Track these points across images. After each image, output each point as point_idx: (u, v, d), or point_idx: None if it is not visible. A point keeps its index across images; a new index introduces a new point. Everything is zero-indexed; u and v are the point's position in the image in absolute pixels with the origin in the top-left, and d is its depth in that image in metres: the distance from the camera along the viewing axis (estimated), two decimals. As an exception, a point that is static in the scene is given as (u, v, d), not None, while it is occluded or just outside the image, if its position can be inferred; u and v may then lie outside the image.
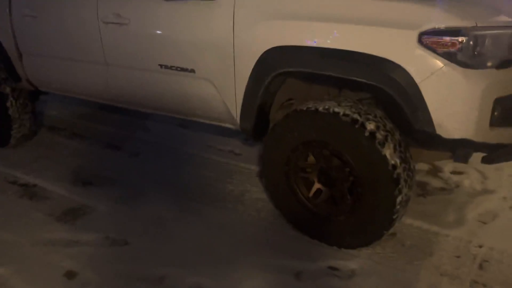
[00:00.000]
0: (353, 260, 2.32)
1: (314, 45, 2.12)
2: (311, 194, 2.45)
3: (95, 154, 3.75)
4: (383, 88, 2.02)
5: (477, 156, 2.23)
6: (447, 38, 1.89)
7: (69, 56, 3.14)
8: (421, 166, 3.22)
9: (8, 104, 3.62)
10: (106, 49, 2.92)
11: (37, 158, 3.66)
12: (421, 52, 1.92)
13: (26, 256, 2.44)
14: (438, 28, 1.90)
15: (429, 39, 1.90)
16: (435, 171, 3.20)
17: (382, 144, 2.07)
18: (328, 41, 2.10)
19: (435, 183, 3.06)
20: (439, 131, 2.00)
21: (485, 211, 2.71)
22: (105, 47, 2.91)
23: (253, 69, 2.35)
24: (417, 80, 1.94)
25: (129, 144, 3.92)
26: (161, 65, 2.71)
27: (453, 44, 1.88)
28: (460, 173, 3.16)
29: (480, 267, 2.27)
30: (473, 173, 3.13)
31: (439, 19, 1.92)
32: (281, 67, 2.26)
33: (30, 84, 3.58)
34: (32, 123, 3.87)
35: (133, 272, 2.30)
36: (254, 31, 2.30)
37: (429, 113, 1.97)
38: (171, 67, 2.67)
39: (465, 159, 2.21)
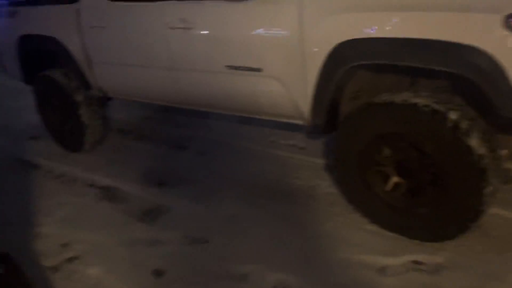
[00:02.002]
0: (438, 254, 2.26)
1: (390, 36, 2.07)
2: (388, 187, 2.40)
3: (164, 155, 3.88)
4: (466, 76, 1.94)
5: None
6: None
7: (138, 63, 3.26)
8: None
9: (81, 111, 3.82)
10: (173, 54, 3.00)
11: (110, 162, 3.85)
12: (507, 36, 1.82)
13: (114, 256, 2.57)
14: (526, 9, 1.80)
15: (516, 22, 1.80)
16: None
17: (467, 134, 1.99)
18: (405, 31, 2.04)
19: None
20: (530, 116, 1.90)
21: None
22: (173, 52, 3.00)
23: (324, 65, 2.33)
24: (504, 65, 1.85)
25: (194, 143, 4.03)
26: (227, 66, 2.75)
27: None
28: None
29: None
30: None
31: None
32: (354, 60, 2.22)
33: (100, 91, 3.75)
34: (102, 128, 4.05)
35: (216, 269, 2.36)
36: (323, 26, 2.27)
37: (517, 97, 1.88)
38: (237, 67, 2.71)
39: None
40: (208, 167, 3.55)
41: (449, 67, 1.97)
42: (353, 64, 2.23)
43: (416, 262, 2.24)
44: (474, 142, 1.98)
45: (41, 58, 4.07)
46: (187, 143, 4.05)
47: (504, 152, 2.16)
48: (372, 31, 2.12)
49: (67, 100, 3.83)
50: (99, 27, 3.36)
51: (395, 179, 2.38)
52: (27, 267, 1.89)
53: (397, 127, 2.19)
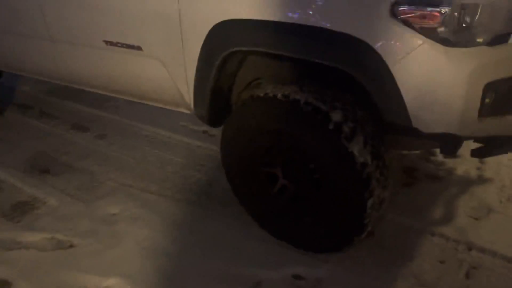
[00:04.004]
0: (321, 267, 2.03)
1: (265, 18, 1.74)
2: (275, 190, 2.13)
3: (60, 137, 3.45)
4: (348, 72, 1.65)
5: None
6: (426, 9, 1.50)
7: (15, 31, 2.79)
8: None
9: (-40, 83, 3.32)
10: (49, 23, 2.57)
11: (-3, 142, 3.39)
12: (393, 27, 1.54)
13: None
14: (415, -4, 1.51)
15: (403, 11, 1.52)
16: (427, 155, 2.85)
17: (349, 139, 1.73)
18: (284, 14, 1.71)
19: (424, 169, 2.73)
20: (416, 124, 1.65)
21: (479, 204, 2.39)
22: (48, 20, 2.55)
23: (202, 48, 1.99)
24: (388, 62, 1.57)
25: (96, 124, 3.61)
26: (106, 41, 2.36)
27: (434, 17, 1.50)
28: (455, 157, 2.80)
29: (467, 276, 1.97)
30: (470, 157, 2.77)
31: (418, -16, 1.52)
32: (231, 45, 1.89)
33: (-19, 62, 3.25)
34: (-9, 102, 3.56)
35: (75, 281, 2.04)
36: (201, 1, 1.91)
37: (404, 103, 1.61)
38: (116, 44, 2.32)
39: (452, 152, 1.86)
40: (103, 152, 3.17)
41: (328, 60, 1.68)
42: (231, 49, 1.90)
43: (296, 277, 2.01)
44: (357, 148, 1.72)
45: None
46: (90, 124, 3.64)
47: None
48: (248, 12, 1.78)
49: None
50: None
51: (282, 181, 2.10)
52: None
53: (279, 125, 1.90)
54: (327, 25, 1.62)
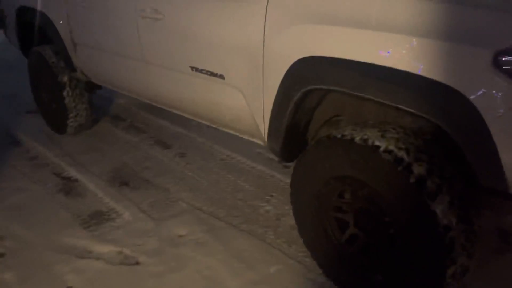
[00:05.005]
0: (387, 332, 1.83)
1: (353, 58, 1.64)
2: (344, 238, 1.98)
3: (143, 152, 3.61)
4: (439, 124, 1.49)
5: None
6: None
7: (111, 50, 3.00)
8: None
9: (65, 93, 3.63)
10: (144, 46, 2.70)
11: (87, 150, 3.65)
12: (495, 78, 1.35)
13: (37, 262, 2.35)
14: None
15: (509, 62, 1.33)
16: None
17: (433, 196, 1.54)
18: (373, 55, 1.60)
19: (523, 234, 2.38)
20: (515, 191, 1.42)
21: None
22: (143, 43, 2.69)
23: (282, 82, 1.93)
24: (485, 116, 1.38)
25: (179, 142, 3.73)
26: (192, 67, 2.41)
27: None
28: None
29: None
30: None
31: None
32: (312, 83, 1.81)
33: (84, 75, 3.53)
34: (89, 113, 3.84)
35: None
36: (285, 36, 1.88)
37: (501, 165, 1.40)
38: (201, 70, 2.36)
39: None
40: (180, 171, 3.25)
41: (417, 109, 1.52)
42: (310, 87, 1.82)
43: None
44: (441, 207, 1.53)
45: (38, 32, 3.91)
46: (172, 141, 3.76)
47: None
48: (334, 50, 1.69)
49: (54, 79, 3.65)
50: (81, 6, 3.13)
51: (353, 229, 1.95)
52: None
53: (355, 171, 1.76)
54: (419, 71, 1.47)
